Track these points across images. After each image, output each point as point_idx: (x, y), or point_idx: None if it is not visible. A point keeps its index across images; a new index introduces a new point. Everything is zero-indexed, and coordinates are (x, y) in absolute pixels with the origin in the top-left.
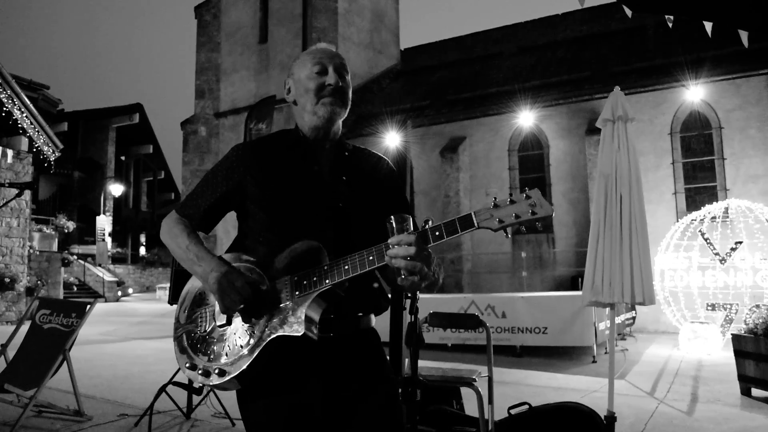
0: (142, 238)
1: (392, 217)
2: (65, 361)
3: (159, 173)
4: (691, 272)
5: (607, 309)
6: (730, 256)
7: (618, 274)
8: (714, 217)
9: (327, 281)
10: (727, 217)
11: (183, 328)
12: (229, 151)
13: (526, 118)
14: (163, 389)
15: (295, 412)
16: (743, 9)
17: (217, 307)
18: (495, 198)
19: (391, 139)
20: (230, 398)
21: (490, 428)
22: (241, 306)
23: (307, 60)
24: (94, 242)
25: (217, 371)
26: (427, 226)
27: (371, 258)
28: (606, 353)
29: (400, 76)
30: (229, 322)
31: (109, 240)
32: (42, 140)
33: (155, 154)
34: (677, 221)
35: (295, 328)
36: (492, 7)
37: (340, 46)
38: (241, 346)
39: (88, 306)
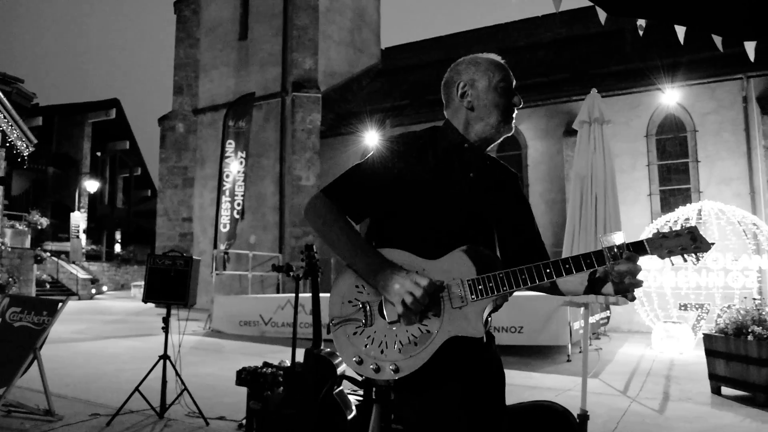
0: (118, 235)
1: (607, 235)
2: (36, 360)
3: (135, 170)
4: (665, 273)
5: (582, 309)
6: (702, 257)
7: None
8: (687, 219)
9: (505, 288)
10: (701, 218)
11: (343, 321)
12: (385, 142)
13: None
14: (136, 388)
15: (463, 396)
16: (717, 14)
17: (385, 303)
18: (658, 230)
19: (370, 138)
20: (204, 398)
21: None
22: (422, 308)
23: (493, 69)
24: (68, 239)
25: (392, 367)
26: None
27: (548, 271)
28: (581, 352)
29: (380, 75)
30: (399, 319)
31: (83, 237)
32: (15, 135)
33: (132, 150)
34: (652, 222)
35: (473, 329)
36: (472, 7)
37: (320, 44)
38: (416, 344)
39: (60, 304)
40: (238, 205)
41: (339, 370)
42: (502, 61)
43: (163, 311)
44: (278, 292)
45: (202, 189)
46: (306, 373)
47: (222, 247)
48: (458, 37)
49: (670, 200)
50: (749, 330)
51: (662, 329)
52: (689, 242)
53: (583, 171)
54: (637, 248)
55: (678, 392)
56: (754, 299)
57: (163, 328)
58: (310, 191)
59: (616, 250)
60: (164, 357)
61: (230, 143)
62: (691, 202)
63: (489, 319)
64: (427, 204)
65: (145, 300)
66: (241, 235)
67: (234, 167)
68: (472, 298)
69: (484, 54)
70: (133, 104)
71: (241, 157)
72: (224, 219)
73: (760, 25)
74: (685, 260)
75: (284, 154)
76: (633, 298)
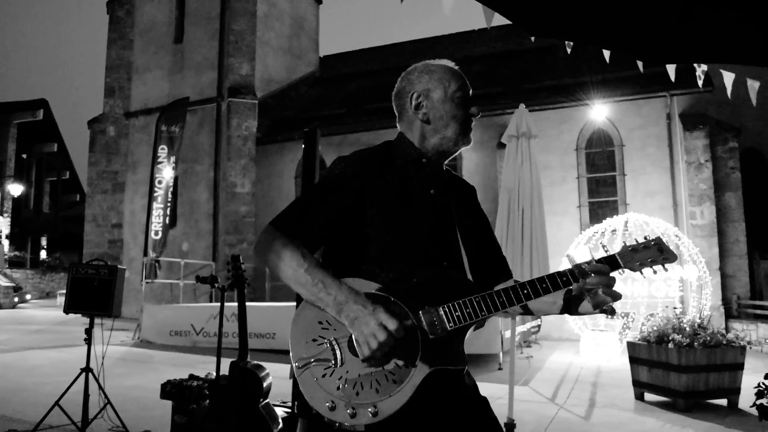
0: (44, 241)
1: (570, 254)
2: None
3: (63, 173)
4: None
5: (510, 318)
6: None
7: None
8: (614, 230)
9: (483, 313)
10: (627, 230)
11: (310, 362)
12: (336, 164)
13: None
14: (56, 403)
15: None
16: (636, 39)
17: (352, 338)
18: (625, 242)
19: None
20: (129, 411)
21: None
22: (387, 350)
23: (448, 78)
24: None
25: (371, 410)
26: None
27: (525, 292)
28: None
29: (318, 83)
30: (367, 361)
31: (6, 243)
32: None
33: (60, 153)
34: (581, 233)
35: (455, 360)
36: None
37: (258, 50)
38: (394, 382)
39: None
40: (171, 211)
41: (265, 384)
42: (457, 68)
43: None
44: (211, 301)
45: (133, 194)
46: (231, 386)
47: (153, 254)
48: (396, 48)
49: (598, 212)
50: (670, 338)
51: (590, 337)
52: (657, 254)
53: (510, 184)
54: (610, 262)
55: (604, 399)
56: (675, 308)
57: (85, 339)
58: (245, 198)
59: (585, 265)
60: (86, 369)
61: (163, 148)
62: (618, 214)
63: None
64: (389, 226)
65: (66, 311)
66: (174, 242)
67: (167, 173)
68: (450, 326)
69: (437, 61)
70: (62, 105)
71: (174, 163)
72: (155, 226)
73: (678, 48)
74: (655, 272)
75: (219, 161)
76: (612, 311)
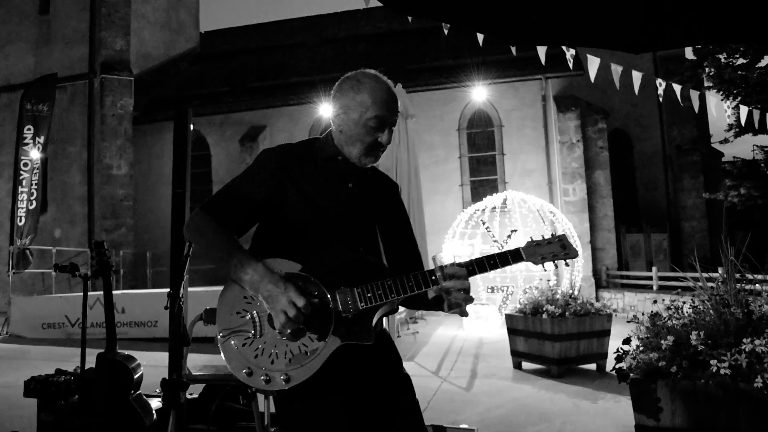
0: None
1: (440, 254)
2: None
3: None
4: (474, 257)
5: None
6: (506, 242)
7: None
8: (494, 208)
9: (393, 296)
10: (506, 207)
11: (232, 333)
12: (261, 155)
13: (325, 109)
14: None
15: (344, 409)
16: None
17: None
18: (531, 237)
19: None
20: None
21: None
22: (298, 325)
23: (368, 105)
24: None
25: (283, 377)
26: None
27: (434, 278)
28: (399, 337)
29: (199, 60)
30: (280, 332)
31: None
32: None
33: None
34: (463, 210)
35: (364, 337)
36: None
37: (133, 23)
38: (306, 354)
39: None
40: (40, 196)
41: (136, 375)
42: (387, 91)
43: None
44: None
45: None
46: (99, 379)
47: (21, 242)
48: (280, 25)
49: (479, 190)
50: (544, 309)
51: (472, 311)
52: (560, 249)
53: (387, 163)
54: (515, 256)
55: (484, 369)
56: (548, 281)
57: None
58: (122, 180)
59: (447, 268)
60: None
61: (29, 128)
62: (497, 192)
63: (381, 321)
64: (310, 214)
65: None
66: (45, 228)
67: (34, 154)
68: (362, 306)
69: (372, 79)
70: None
71: (40, 144)
72: (22, 212)
73: (545, 32)
74: (556, 266)
75: (93, 141)
76: (464, 314)
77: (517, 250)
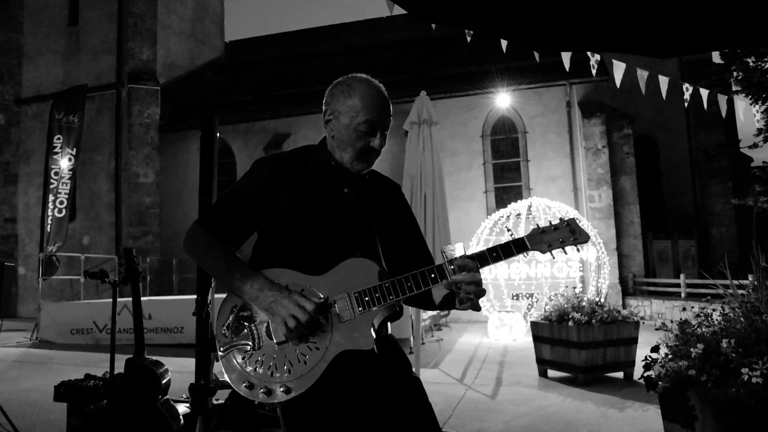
0: None
1: (449, 246)
2: None
3: None
4: (499, 265)
5: None
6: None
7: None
8: (518, 214)
9: (391, 297)
10: (530, 214)
11: (232, 346)
12: (253, 166)
13: None
14: None
15: (349, 422)
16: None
17: (271, 324)
18: (538, 225)
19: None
20: (23, 416)
21: None
22: (306, 331)
23: (359, 109)
24: None
25: (282, 389)
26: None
27: (432, 276)
28: (423, 344)
29: (223, 69)
30: (287, 339)
31: None
32: None
33: None
34: (487, 218)
35: (362, 342)
36: (318, 5)
37: (159, 34)
38: (305, 363)
39: None
40: (69, 204)
41: (164, 381)
42: (378, 95)
43: None
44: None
45: (27, 187)
46: (127, 384)
47: (50, 249)
48: (303, 34)
49: (503, 197)
50: (570, 316)
51: (497, 318)
52: (568, 234)
53: (412, 170)
54: (518, 245)
55: (509, 377)
56: (574, 288)
57: None
58: (149, 188)
59: (456, 261)
60: None
61: (59, 138)
62: (522, 199)
63: (385, 326)
64: (304, 221)
65: None
66: (73, 236)
67: (63, 163)
68: (360, 310)
69: (362, 83)
70: None
71: (71, 154)
72: (51, 219)
73: (571, 37)
74: (566, 252)
75: (120, 150)
76: (476, 308)
77: (521, 239)
